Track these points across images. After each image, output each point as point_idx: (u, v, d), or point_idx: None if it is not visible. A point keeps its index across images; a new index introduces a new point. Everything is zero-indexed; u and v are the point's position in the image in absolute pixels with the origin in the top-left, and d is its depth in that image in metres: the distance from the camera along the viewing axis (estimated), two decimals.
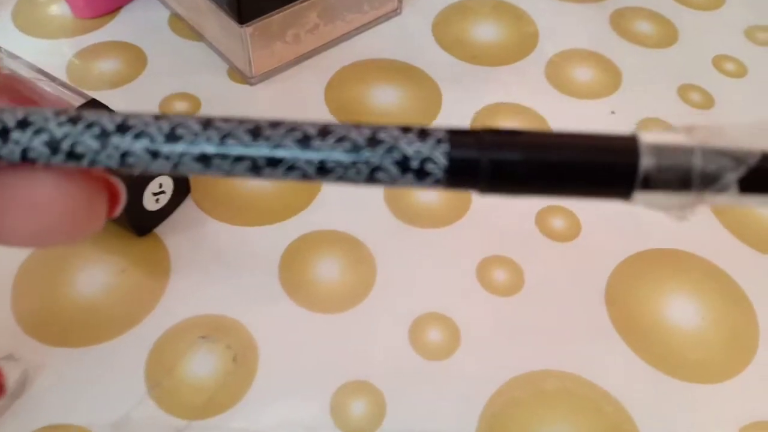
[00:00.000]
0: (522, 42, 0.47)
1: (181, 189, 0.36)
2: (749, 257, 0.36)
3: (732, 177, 0.13)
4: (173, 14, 0.47)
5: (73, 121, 0.14)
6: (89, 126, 0.14)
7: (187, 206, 0.36)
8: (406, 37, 0.47)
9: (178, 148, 0.14)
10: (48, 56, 0.44)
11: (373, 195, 0.37)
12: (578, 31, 0.48)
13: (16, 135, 0.14)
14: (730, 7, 0.51)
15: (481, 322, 0.33)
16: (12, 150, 0.14)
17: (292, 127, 0.14)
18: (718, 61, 0.46)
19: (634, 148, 0.13)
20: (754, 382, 0.32)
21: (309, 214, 0.36)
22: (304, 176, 0.14)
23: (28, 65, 0.38)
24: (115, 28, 0.46)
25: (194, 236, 0.35)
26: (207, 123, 0.14)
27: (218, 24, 0.42)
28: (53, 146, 0.14)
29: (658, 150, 0.13)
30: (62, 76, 0.42)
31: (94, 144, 0.14)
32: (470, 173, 0.14)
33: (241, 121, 0.14)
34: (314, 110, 0.42)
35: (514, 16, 0.49)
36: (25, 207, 0.15)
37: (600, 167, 0.13)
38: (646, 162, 0.13)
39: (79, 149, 0.14)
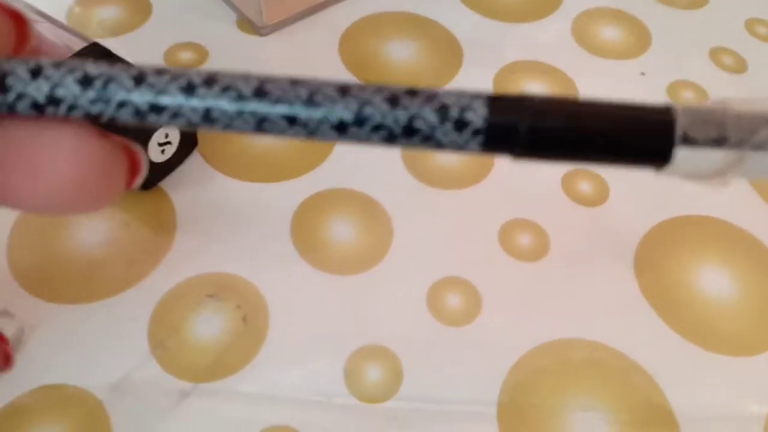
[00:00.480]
0: None
1: (188, 141, 0.34)
2: None
3: (767, 132, 0.13)
4: None
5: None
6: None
7: (195, 160, 0.34)
8: None
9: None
10: (47, 2, 0.42)
11: (390, 153, 0.35)
12: None
13: (49, 72, 0.13)
14: None
15: (503, 288, 0.31)
16: (40, 87, 0.13)
17: (328, 85, 0.14)
18: (751, 24, 0.44)
19: (670, 111, 0.13)
20: None
21: (323, 171, 0.35)
22: (337, 130, 0.14)
23: (26, 6, 0.36)
24: None
25: (202, 191, 0.33)
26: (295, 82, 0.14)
27: None
28: (85, 82, 0.13)
29: (693, 111, 0.13)
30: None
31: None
32: (508, 136, 0.13)
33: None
34: (327, 64, 0.40)
35: None
36: (36, 167, 0.14)
37: (639, 129, 0.13)
38: (682, 119, 0.13)
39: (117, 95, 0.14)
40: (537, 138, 0.13)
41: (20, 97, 0.13)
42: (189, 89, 0.14)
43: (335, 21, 0.42)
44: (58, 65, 0.14)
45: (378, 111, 0.13)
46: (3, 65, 0.14)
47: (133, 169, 0.15)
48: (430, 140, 0.14)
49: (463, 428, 0.28)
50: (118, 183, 0.15)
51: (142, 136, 0.31)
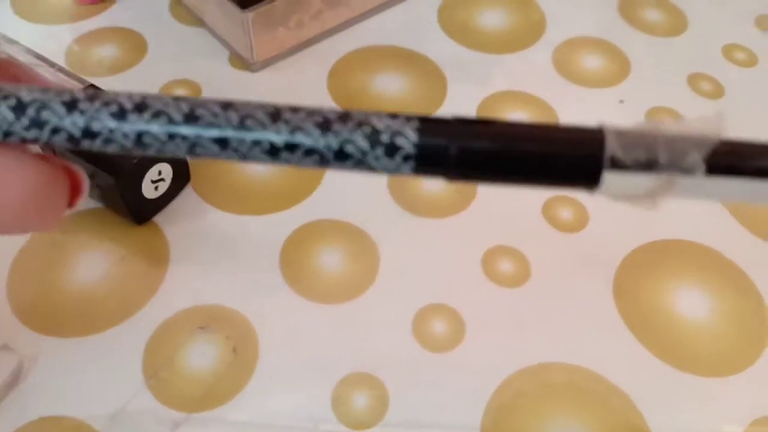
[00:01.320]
0: (529, 29, 0.46)
1: (181, 176, 0.35)
2: (759, 248, 0.35)
3: (697, 156, 0.13)
4: (174, 0, 0.46)
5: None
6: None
7: (187, 194, 0.36)
8: (411, 24, 0.46)
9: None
10: (46, 42, 0.43)
11: (377, 184, 0.36)
12: (586, 18, 0.47)
13: None
14: None
15: (486, 313, 0.32)
16: None
17: (270, 110, 0.14)
18: (728, 50, 0.45)
19: (600, 133, 0.13)
20: (765, 375, 0.31)
21: (311, 203, 0.36)
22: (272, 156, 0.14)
23: (26, 50, 0.37)
24: (115, 14, 0.46)
25: (194, 225, 0.35)
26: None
27: (220, 9, 0.42)
28: (19, 108, 0.14)
29: (623, 133, 0.13)
30: (61, 62, 0.42)
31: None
32: (439, 159, 0.14)
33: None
34: (316, 98, 0.41)
35: (520, 3, 0.48)
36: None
37: (568, 152, 0.13)
38: (612, 142, 0.13)
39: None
40: (468, 161, 0.14)
41: None
42: (120, 115, 0.14)
43: (324, 56, 0.43)
44: None
45: (309, 136, 0.14)
46: None
47: (75, 190, 0.16)
48: (362, 164, 0.14)
49: None
50: (60, 203, 0.15)
51: (137, 174, 0.32)
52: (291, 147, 0.14)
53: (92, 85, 0.35)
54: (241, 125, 0.14)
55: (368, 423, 0.29)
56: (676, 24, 0.47)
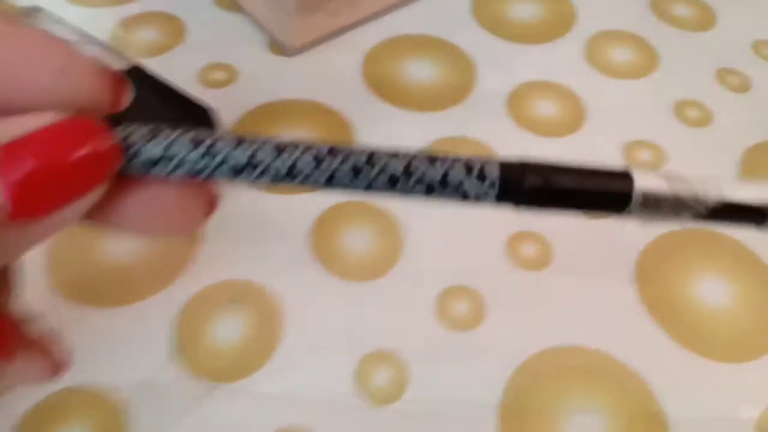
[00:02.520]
0: (560, 21, 0.47)
1: None
2: None
3: (688, 215, 0.17)
4: None
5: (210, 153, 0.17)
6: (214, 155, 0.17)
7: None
8: (444, 14, 0.47)
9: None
10: (92, 25, 0.45)
11: None
12: (617, 12, 0.47)
13: (161, 165, 0.16)
14: None
15: (508, 295, 0.33)
16: (157, 172, 0.17)
17: (382, 166, 0.17)
18: (757, 46, 0.45)
19: (629, 189, 0.17)
20: None
21: None
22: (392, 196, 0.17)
23: (72, 29, 0.39)
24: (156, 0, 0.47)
25: (226, 203, 0.35)
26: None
27: None
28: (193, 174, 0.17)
29: (645, 193, 0.17)
30: None
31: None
32: (512, 197, 0.17)
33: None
34: (350, 84, 0.42)
35: None
36: (155, 209, 0.18)
37: (605, 200, 0.18)
38: (635, 199, 0.17)
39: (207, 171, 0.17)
40: (535, 199, 0.17)
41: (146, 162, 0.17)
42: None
43: (358, 43, 0.44)
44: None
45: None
46: (134, 137, 0.16)
47: (211, 204, 0.19)
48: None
49: (466, 429, 0.29)
50: (203, 214, 0.19)
51: None
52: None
53: (137, 66, 0.37)
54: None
55: (390, 398, 0.30)
56: (706, 19, 0.47)
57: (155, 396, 0.29)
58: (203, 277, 0.33)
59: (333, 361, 0.31)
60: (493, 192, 0.17)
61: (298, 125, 0.40)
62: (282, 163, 0.16)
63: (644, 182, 0.17)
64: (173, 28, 0.45)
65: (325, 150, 0.17)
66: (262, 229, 0.35)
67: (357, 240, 0.35)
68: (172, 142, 0.16)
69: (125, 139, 0.16)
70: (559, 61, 0.44)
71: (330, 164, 0.16)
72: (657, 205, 0.17)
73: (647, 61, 0.44)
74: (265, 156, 0.16)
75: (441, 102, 0.41)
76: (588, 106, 0.41)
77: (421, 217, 0.36)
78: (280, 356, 0.31)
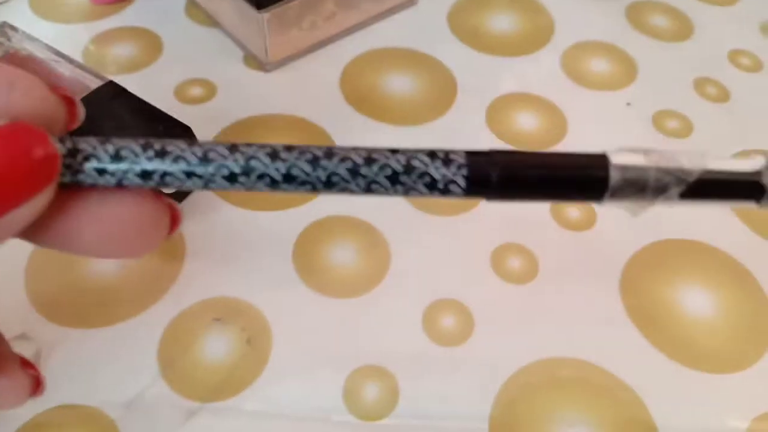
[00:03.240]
0: (538, 33, 0.47)
1: None
2: (764, 249, 0.36)
3: (675, 191, 0.16)
4: (189, 1, 0.47)
5: (160, 155, 0.16)
6: (176, 159, 0.16)
7: (203, 191, 0.36)
8: (422, 27, 0.47)
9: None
10: (63, 41, 0.44)
11: None
12: (594, 23, 0.48)
13: (112, 168, 0.16)
14: (745, 2, 0.51)
15: (495, 308, 0.33)
16: (108, 181, 0.16)
17: (343, 156, 0.16)
18: (734, 56, 0.46)
19: (606, 167, 0.17)
20: None
21: (323, 199, 0.36)
22: (363, 192, 0.17)
23: (46, 47, 0.38)
24: (131, 14, 0.46)
25: (209, 220, 0.35)
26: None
27: (235, 10, 0.42)
28: (145, 177, 0.16)
29: (623, 169, 0.16)
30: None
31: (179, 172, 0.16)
32: (483, 187, 0.17)
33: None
34: (329, 98, 0.42)
35: (529, 8, 0.49)
36: (108, 225, 0.17)
37: (581, 182, 0.17)
38: (613, 177, 0.16)
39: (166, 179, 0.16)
40: (506, 186, 0.17)
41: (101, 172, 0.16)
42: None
43: (336, 57, 0.44)
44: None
45: (382, 186, 0.16)
46: (82, 146, 0.16)
47: (174, 221, 0.18)
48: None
49: None
50: (162, 231, 0.18)
51: None
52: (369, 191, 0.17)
53: (111, 82, 0.36)
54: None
55: (379, 414, 0.29)
56: (683, 29, 0.48)
57: (144, 414, 0.29)
58: (187, 295, 0.32)
59: (321, 377, 0.30)
60: (461, 176, 0.16)
61: (277, 139, 0.39)
62: (234, 163, 0.16)
63: (621, 159, 0.17)
64: (148, 44, 0.44)
65: (280, 147, 0.17)
66: (245, 245, 0.34)
67: (342, 256, 0.34)
68: (122, 148, 0.16)
69: (74, 145, 0.16)
70: (538, 73, 0.44)
71: (287, 156, 0.16)
72: (639, 183, 0.16)
73: (625, 71, 0.44)
74: (217, 155, 0.16)
75: (420, 115, 0.41)
76: (568, 118, 0.41)
77: (405, 231, 0.35)
78: (268, 374, 0.30)
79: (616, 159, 0.17)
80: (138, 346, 0.31)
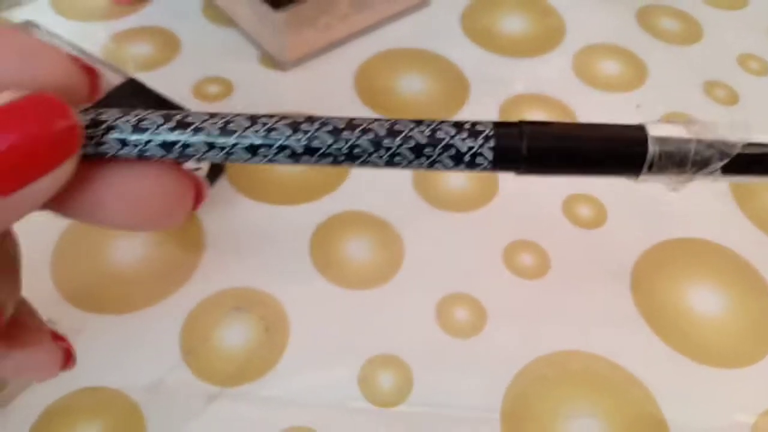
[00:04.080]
0: (549, 35, 0.48)
1: (217, 167, 0.37)
2: None
3: (717, 165, 0.16)
4: (206, 0, 0.48)
5: (181, 126, 0.16)
6: (196, 130, 0.16)
7: (222, 184, 0.37)
8: (435, 28, 0.47)
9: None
10: (83, 39, 0.45)
11: (402, 179, 0.38)
12: (605, 26, 0.49)
13: (133, 138, 0.16)
14: (754, 7, 0.51)
15: (507, 303, 0.33)
16: (130, 152, 0.16)
17: (366, 127, 0.16)
18: (743, 60, 0.47)
19: (644, 139, 0.15)
20: None
21: (339, 194, 0.37)
22: (385, 164, 0.16)
23: (67, 43, 0.39)
24: (150, 13, 0.47)
25: (228, 213, 0.36)
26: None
27: (252, 10, 0.43)
28: (167, 148, 0.16)
29: (662, 141, 0.15)
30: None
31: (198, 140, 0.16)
32: (512, 160, 0.16)
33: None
34: (343, 97, 0.43)
35: (541, 10, 0.49)
36: (132, 197, 0.17)
37: (617, 154, 0.16)
38: (652, 150, 0.15)
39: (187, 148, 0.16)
40: (536, 158, 0.16)
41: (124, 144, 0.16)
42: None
43: (350, 57, 0.45)
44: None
45: (405, 158, 0.16)
46: (103, 117, 0.16)
47: (198, 195, 0.18)
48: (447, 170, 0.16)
49: None
50: (187, 205, 0.18)
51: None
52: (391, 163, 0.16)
53: (132, 79, 0.37)
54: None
55: (393, 402, 0.30)
56: (692, 33, 0.48)
57: (165, 398, 0.30)
58: (208, 285, 0.33)
59: (337, 365, 0.31)
60: (488, 148, 0.15)
61: None
62: (255, 134, 0.16)
63: (660, 131, 0.16)
64: (167, 43, 0.45)
65: (301, 119, 0.16)
66: (263, 238, 0.35)
67: (357, 249, 0.35)
68: (143, 119, 0.16)
69: (96, 116, 0.16)
70: (549, 74, 0.45)
71: (308, 127, 0.16)
72: (679, 156, 0.15)
73: (636, 74, 0.45)
74: (238, 126, 0.16)
75: (434, 114, 0.42)
76: (579, 119, 0.42)
77: (419, 227, 0.36)
78: (285, 361, 0.31)
79: (655, 131, 0.16)
80: (160, 333, 0.31)
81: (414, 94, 0.43)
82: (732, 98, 0.44)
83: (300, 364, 0.31)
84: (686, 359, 0.32)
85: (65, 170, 0.15)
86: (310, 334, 0.32)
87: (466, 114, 0.42)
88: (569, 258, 0.35)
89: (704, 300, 0.34)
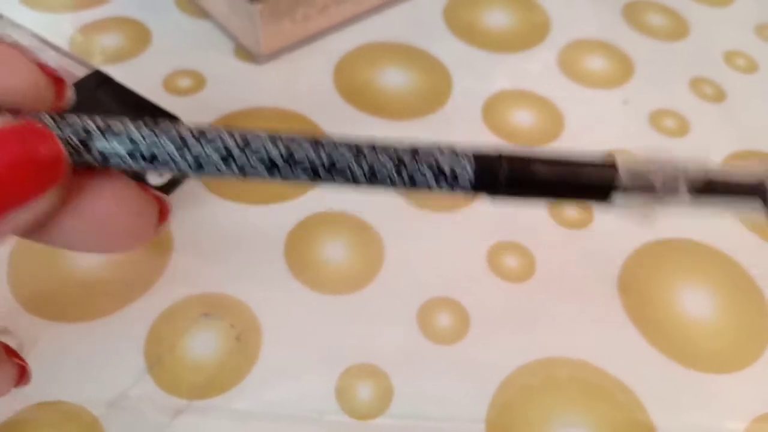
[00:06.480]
0: (534, 30, 0.46)
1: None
2: (762, 250, 0.35)
3: (684, 190, 0.17)
4: None
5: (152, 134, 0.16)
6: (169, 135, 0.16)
7: (191, 182, 0.35)
8: (417, 21, 0.46)
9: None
10: (50, 30, 0.43)
11: None
12: (590, 21, 0.47)
13: (100, 144, 0.16)
14: (741, 3, 0.51)
15: (491, 307, 0.32)
16: (95, 158, 0.16)
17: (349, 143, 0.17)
18: (730, 56, 0.46)
19: (615, 172, 0.17)
20: (767, 373, 0.31)
21: (315, 194, 0.36)
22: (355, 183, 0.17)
23: (31, 34, 0.37)
24: (120, 4, 0.45)
25: (197, 213, 0.34)
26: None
27: (226, 1, 0.42)
28: (134, 157, 0.16)
29: (631, 170, 0.17)
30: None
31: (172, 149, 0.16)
32: (491, 187, 0.17)
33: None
34: (322, 92, 0.41)
35: (526, 5, 0.48)
36: (94, 217, 0.16)
37: (589, 185, 0.17)
38: (622, 176, 0.17)
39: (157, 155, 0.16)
40: (514, 187, 0.17)
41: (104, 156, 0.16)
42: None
43: (330, 50, 0.43)
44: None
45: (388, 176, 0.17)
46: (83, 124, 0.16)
47: (162, 214, 0.18)
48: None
49: None
50: (150, 226, 0.18)
51: None
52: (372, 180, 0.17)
53: (98, 71, 0.35)
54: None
55: (373, 414, 0.29)
56: (679, 29, 0.48)
57: (129, 412, 0.28)
58: (175, 290, 0.31)
59: (313, 375, 0.29)
60: (469, 167, 0.16)
61: None
62: (214, 151, 0.16)
63: (628, 162, 0.17)
64: (137, 34, 0.43)
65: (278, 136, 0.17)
66: (235, 240, 0.34)
67: (334, 252, 0.33)
68: (111, 125, 0.16)
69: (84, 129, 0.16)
70: (535, 69, 0.44)
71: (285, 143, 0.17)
72: (647, 186, 0.17)
73: (622, 69, 0.44)
74: (214, 136, 0.16)
75: (415, 110, 0.40)
76: (565, 115, 0.41)
77: (400, 227, 0.35)
78: (258, 372, 0.29)
79: (623, 161, 0.17)
80: (123, 342, 0.30)
81: (395, 89, 0.42)
82: (719, 95, 0.43)
83: (273, 374, 0.29)
84: (676, 364, 0.31)
85: (47, 201, 0.15)
86: (285, 342, 0.30)
87: (449, 111, 0.41)
88: (555, 260, 0.34)
89: (693, 302, 0.33)
